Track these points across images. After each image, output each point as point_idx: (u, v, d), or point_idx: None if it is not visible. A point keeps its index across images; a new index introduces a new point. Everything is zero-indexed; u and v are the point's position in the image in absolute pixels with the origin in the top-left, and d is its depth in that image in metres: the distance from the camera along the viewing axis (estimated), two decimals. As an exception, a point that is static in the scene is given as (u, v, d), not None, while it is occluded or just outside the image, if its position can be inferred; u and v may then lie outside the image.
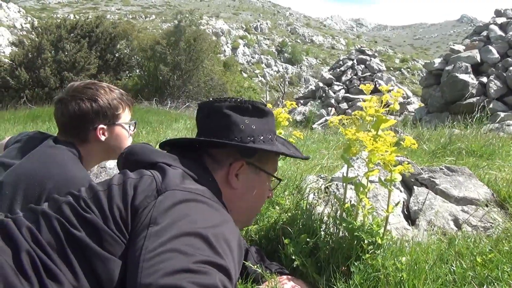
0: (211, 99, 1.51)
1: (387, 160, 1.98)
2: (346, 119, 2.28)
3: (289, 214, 2.45)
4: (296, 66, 71.74)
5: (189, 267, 0.92)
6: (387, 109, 2.32)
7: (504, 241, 2.21)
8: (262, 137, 1.46)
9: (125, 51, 24.82)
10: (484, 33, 15.26)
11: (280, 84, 30.58)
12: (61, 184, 1.68)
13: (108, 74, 21.98)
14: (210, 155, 1.46)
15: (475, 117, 6.28)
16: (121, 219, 1.11)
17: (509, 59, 13.41)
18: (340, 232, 2.21)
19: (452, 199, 2.71)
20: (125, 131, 2.11)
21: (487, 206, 2.66)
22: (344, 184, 2.34)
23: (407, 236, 2.43)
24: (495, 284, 1.90)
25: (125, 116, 2.11)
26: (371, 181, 2.76)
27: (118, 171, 1.39)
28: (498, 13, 16.30)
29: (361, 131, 2.19)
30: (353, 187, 2.37)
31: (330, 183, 2.93)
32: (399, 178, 2.17)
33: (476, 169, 3.26)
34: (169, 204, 1.09)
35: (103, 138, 1.99)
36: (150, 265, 0.93)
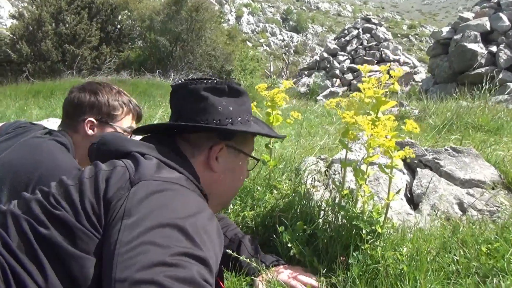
0: (184, 80, 1.45)
1: (387, 146, 1.86)
2: (344, 102, 2.15)
3: (286, 199, 2.36)
4: (301, 35, 70.37)
5: (166, 260, 0.89)
6: (387, 90, 2.19)
7: (511, 228, 2.11)
8: (239, 118, 1.43)
9: (127, 22, 24.33)
10: (495, -1, 14.69)
11: (285, 54, 30.04)
12: (49, 172, 1.63)
13: (109, 46, 21.65)
14: (188, 139, 1.41)
15: (483, 89, 6.07)
16: (94, 214, 1.06)
17: (521, 26, 12.92)
18: (339, 220, 2.12)
19: (458, 181, 2.60)
20: None
21: (494, 188, 2.55)
22: (344, 169, 2.23)
23: (409, 222, 2.34)
24: (501, 276, 1.81)
25: (125, 122, 2.06)
26: (373, 164, 2.65)
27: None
28: (511, -22, 15.64)
29: (359, 114, 2.07)
30: (353, 171, 2.26)
31: (330, 165, 2.83)
32: (401, 164, 2.06)
33: (483, 147, 3.13)
34: (143, 195, 1.05)
35: (90, 132, 1.96)
36: (125, 259, 0.90)
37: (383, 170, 2.05)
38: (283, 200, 2.37)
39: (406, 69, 19.21)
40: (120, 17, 24.09)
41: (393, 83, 2.08)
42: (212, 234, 1.07)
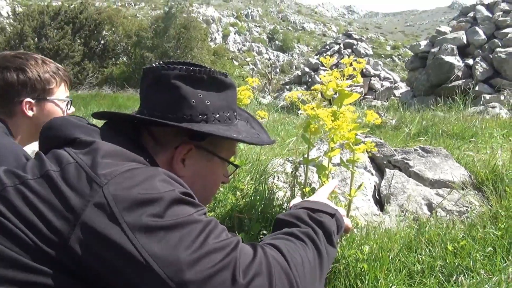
0: (159, 62, 1.21)
1: (347, 137, 1.77)
2: (307, 95, 2.06)
3: (246, 200, 2.24)
4: (287, 54, 71.23)
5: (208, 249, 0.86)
6: (356, 86, 2.11)
7: (478, 227, 2.02)
8: (218, 115, 1.19)
9: (111, 38, 24.31)
10: (471, 14, 15.02)
11: (267, 71, 30.30)
12: None
13: (92, 62, 21.52)
14: (152, 134, 1.18)
15: (459, 100, 6.09)
16: (52, 231, 0.86)
17: (496, 40, 13.20)
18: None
19: (427, 182, 2.52)
20: (59, 109, 1.91)
21: (463, 189, 2.47)
22: (306, 166, 2.13)
23: (378, 222, 2.24)
24: (466, 274, 1.71)
25: (60, 92, 1.91)
26: (336, 163, 2.56)
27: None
28: (486, -7, 16.09)
29: (321, 107, 1.98)
30: (316, 167, 2.16)
31: (297, 167, 2.73)
32: (363, 158, 1.96)
33: (454, 150, 3.07)
34: (128, 198, 0.88)
35: (30, 113, 1.81)
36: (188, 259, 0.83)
37: (345, 165, 1.95)
38: (244, 201, 2.25)
39: (386, 84, 19.46)
40: (104, 32, 24.08)
41: (356, 75, 2.01)
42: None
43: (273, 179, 2.61)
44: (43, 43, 19.46)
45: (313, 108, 1.90)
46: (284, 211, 2.12)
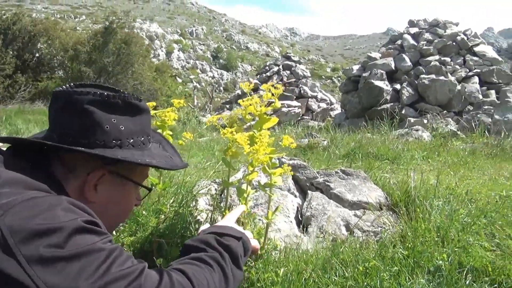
0: (70, 85, 1.17)
1: (261, 161, 1.81)
2: (226, 119, 2.09)
3: (167, 224, 2.21)
4: (231, 72, 71.94)
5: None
6: (270, 107, 2.17)
7: (388, 247, 2.13)
8: (132, 140, 1.18)
9: (47, 51, 23.27)
10: (399, 41, 16.21)
11: (208, 90, 30.41)
12: None
13: (25, 75, 20.48)
14: (62, 160, 1.13)
15: (387, 123, 6.44)
16: None
17: (420, 67, 14.32)
18: (218, 242, 2.00)
19: (346, 203, 2.62)
20: None
21: (380, 210, 2.60)
22: (227, 189, 2.15)
23: (296, 244, 2.29)
24: (373, 293, 1.79)
25: None
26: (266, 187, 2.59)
27: None
28: (412, 23, 17.47)
29: (240, 131, 2.01)
30: (236, 190, 2.18)
31: (223, 189, 2.74)
32: (280, 181, 2.01)
33: (373, 172, 3.23)
34: (24, 229, 0.85)
35: None
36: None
37: (263, 188, 1.99)
38: (164, 224, 2.22)
39: (323, 105, 20.23)
40: (39, 45, 23.03)
41: (274, 101, 2.07)
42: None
43: (197, 201, 2.60)
44: (-29, 55, 18.31)
45: (232, 132, 1.93)
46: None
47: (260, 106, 2.00)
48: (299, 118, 18.48)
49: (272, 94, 2.11)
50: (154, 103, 2.45)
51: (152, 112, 2.41)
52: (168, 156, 1.35)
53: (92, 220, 0.95)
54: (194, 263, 1.11)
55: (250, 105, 2.02)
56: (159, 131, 2.42)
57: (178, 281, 0.98)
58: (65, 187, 1.10)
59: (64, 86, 1.16)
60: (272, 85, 2.03)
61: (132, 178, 1.24)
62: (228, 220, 1.45)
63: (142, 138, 1.23)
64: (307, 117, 19.07)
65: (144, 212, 2.43)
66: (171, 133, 2.45)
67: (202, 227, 1.41)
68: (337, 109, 19.25)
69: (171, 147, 1.45)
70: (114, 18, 26.41)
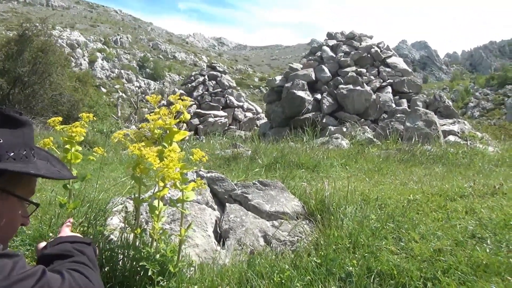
0: None
1: (171, 177, 1.76)
2: (134, 134, 2.01)
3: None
4: (159, 82, 70.54)
5: None
6: (179, 120, 2.12)
7: (303, 256, 2.16)
8: (12, 154, 1.16)
9: (-50, 58, 21.27)
10: (319, 53, 17.01)
11: (133, 100, 29.61)
12: None
13: None
14: None
15: (309, 131, 6.64)
16: None
17: (339, 77, 15.14)
18: (128, 263, 1.92)
19: (264, 214, 2.64)
20: None
21: (296, 219, 2.64)
22: (138, 206, 2.06)
23: (213, 259, 2.25)
24: (287, 304, 1.80)
25: None
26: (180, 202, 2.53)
27: None
28: (330, 36, 18.39)
29: (149, 146, 1.95)
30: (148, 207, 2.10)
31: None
32: (192, 196, 1.97)
33: (290, 181, 3.29)
34: None
35: None
36: None
37: (174, 204, 1.94)
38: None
39: (250, 115, 20.54)
40: None
41: (183, 113, 2.03)
42: None
43: (111, 219, 2.48)
44: None
45: (139, 148, 1.86)
46: (113, 254, 2.02)
47: (169, 119, 1.95)
48: (226, 128, 18.55)
49: (181, 106, 2.07)
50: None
51: (59, 127, 2.25)
52: (56, 170, 1.35)
53: None
54: (77, 265, 1.18)
55: (159, 119, 1.97)
56: (67, 146, 2.27)
57: (78, 276, 1.09)
58: None
59: None
60: (179, 97, 1.99)
61: (14, 192, 1.21)
62: (67, 232, 1.47)
63: (25, 152, 1.21)
64: (234, 127, 19.20)
65: (51, 234, 2.27)
66: (80, 148, 2.30)
67: (41, 244, 1.39)
68: (264, 119, 19.63)
69: (58, 162, 1.44)
70: (28, 25, 24.82)
